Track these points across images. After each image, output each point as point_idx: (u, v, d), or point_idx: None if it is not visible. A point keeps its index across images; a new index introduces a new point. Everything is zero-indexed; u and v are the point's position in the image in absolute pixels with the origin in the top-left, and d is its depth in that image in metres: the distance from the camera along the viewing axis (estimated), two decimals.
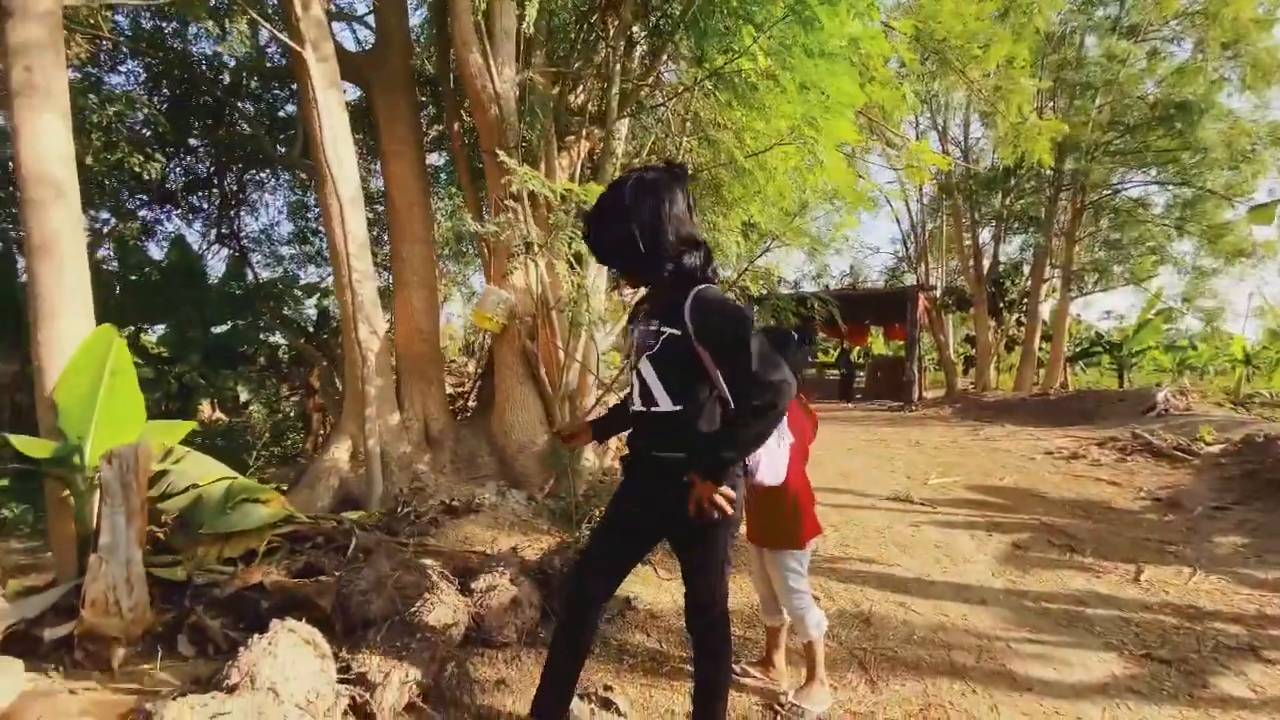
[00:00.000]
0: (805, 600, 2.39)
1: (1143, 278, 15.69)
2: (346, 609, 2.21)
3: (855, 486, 6.33)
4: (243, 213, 8.10)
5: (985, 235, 17.65)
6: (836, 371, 19.18)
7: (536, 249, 3.65)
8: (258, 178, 8.02)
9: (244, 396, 9.50)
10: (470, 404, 5.98)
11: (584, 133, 4.85)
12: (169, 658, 2.33)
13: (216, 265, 8.61)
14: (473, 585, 2.60)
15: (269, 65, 6.94)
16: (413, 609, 2.28)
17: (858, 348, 24.16)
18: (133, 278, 7.61)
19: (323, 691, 1.75)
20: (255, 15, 4.33)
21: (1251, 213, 4.38)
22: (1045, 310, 15.72)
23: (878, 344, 25.93)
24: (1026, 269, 17.26)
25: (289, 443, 7.71)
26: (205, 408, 9.67)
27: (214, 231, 7.90)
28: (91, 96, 5.05)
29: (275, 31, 3.98)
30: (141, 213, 7.40)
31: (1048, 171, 13.41)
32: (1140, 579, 3.76)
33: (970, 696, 2.52)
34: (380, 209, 7.45)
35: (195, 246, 8.98)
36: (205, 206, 7.86)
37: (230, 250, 8.03)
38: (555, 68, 4.70)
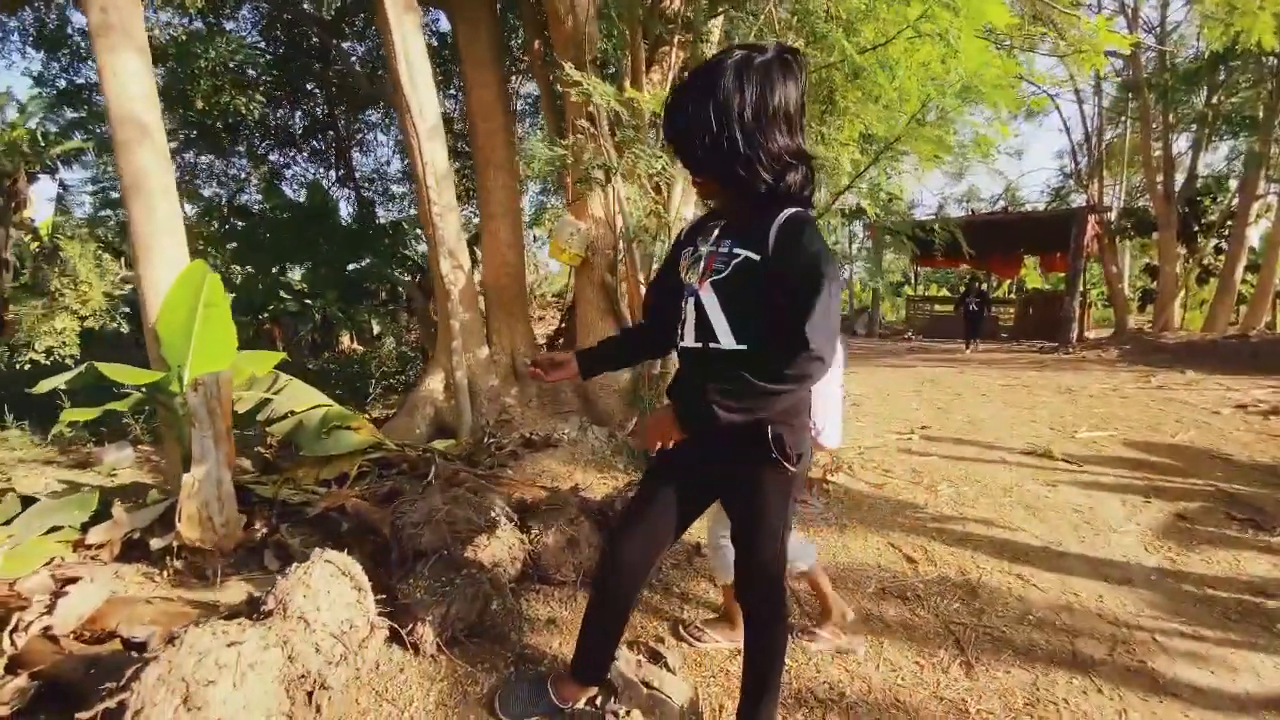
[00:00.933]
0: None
1: None
2: (400, 540, 2.23)
3: (983, 437, 5.64)
4: (356, 152, 8.55)
5: (1181, 144, 14.61)
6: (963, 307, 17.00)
7: (613, 173, 3.38)
8: (369, 118, 8.36)
9: (377, 329, 10.29)
10: (560, 340, 5.98)
11: (676, 41, 4.39)
12: (257, 570, 2.51)
13: (341, 206, 9.25)
14: (530, 522, 2.55)
15: None
16: (463, 543, 2.26)
17: (1007, 281, 21.65)
18: (274, 219, 8.34)
19: (357, 623, 1.76)
20: None
21: None
22: (1254, 235, 12.87)
23: (1033, 277, 23.04)
24: (1234, 184, 14.16)
25: (412, 372, 8.30)
26: (345, 339, 10.68)
27: (333, 173, 8.43)
28: (198, 45, 5.39)
29: None
30: (271, 157, 8.04)
31: (1271, 60, 10.63)
32: None
33: (1093, 696, 2.10)
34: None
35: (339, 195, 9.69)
36: (324, 149, 8.38)
37: (349, 190, 8.54)
38: None
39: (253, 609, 1.68)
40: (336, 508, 2.82)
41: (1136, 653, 2.37)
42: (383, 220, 8.77)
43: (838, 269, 1.38)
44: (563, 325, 6.10)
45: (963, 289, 16.24)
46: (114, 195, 8.57)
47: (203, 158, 7.89)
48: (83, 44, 6.72)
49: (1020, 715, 2.02)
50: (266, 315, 9.07)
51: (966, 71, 3.81)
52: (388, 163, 9.36)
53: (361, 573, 1.84)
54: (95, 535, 2.44)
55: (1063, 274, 17.10)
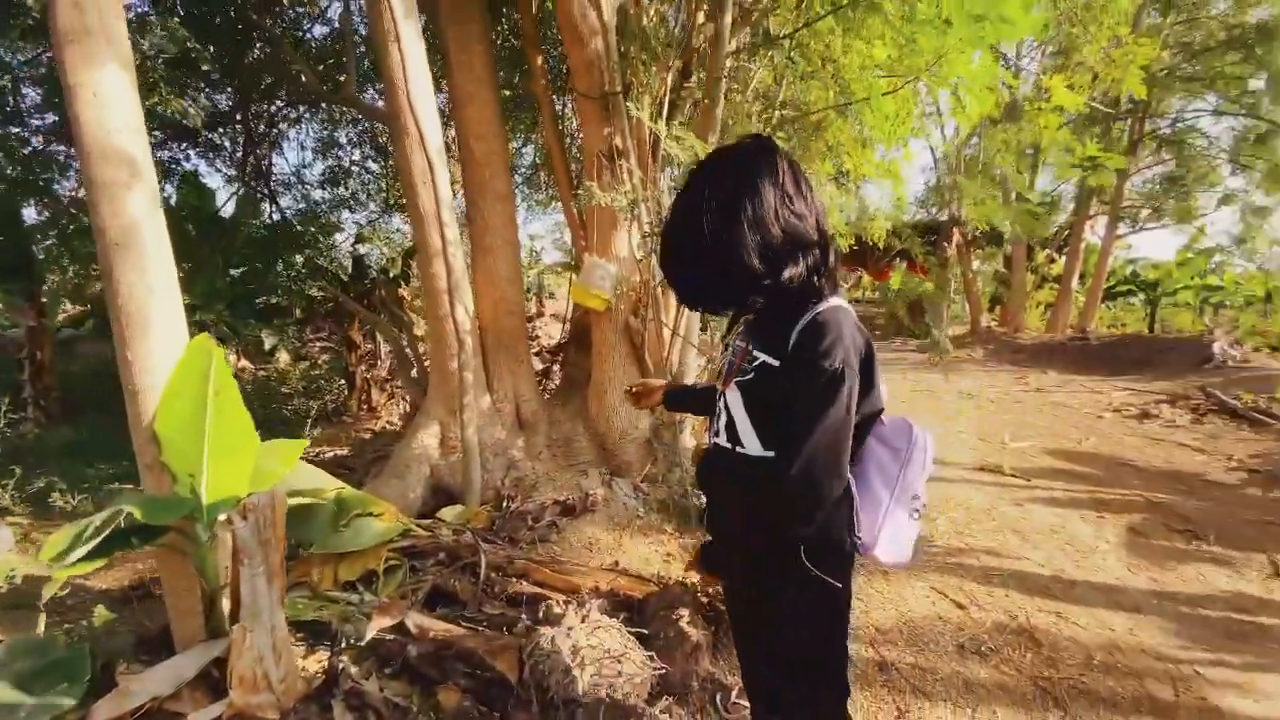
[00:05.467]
0: None
1: (1194, 216, 15.00)
2: (542, 685, 1.90)
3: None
4: (270, 151, 7.25)
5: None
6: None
7: (636, 206, 3.15)
8: (289, 113, 7.08)
9: (268, 344, 9.03)
10: (553, 381, 5.54)
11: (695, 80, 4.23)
12: None
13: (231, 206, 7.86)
14: (642, 627, 2.30)
15: None
16: (611, 677, 1.98)
17: (879, 284, 23.71)
18: None
19: None
20: None
21: None
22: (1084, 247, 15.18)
23: (896, 279, 25.42)
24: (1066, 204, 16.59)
25: (327, 397, 7.31)
26: (233, 357, 9.22)
27: (238, 172, 7.10)
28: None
29: None
30: (159, 153, 6.58)
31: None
32: None
33: None
34: None
35: (216, 188, 8.22)
36: (226, 145, 7.01)
37: (258, 193, 7.24)
38: None
39: None
40: (395, 628, 2.37)
41: (1194, 689, 2.63)
42: (293, 225, 7.55)
43: (848, 364, 1.22)
44: (552, 366, 5.63)
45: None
46: None
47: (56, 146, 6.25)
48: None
49: None
50: None
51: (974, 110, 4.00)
52: (307, 164, 8.11)
53: None
54: (102, 713, 1.83)
55: (920, 277, 19.05)
